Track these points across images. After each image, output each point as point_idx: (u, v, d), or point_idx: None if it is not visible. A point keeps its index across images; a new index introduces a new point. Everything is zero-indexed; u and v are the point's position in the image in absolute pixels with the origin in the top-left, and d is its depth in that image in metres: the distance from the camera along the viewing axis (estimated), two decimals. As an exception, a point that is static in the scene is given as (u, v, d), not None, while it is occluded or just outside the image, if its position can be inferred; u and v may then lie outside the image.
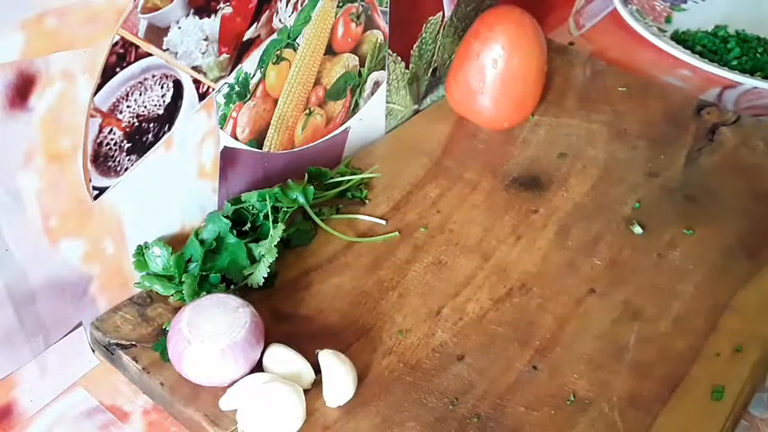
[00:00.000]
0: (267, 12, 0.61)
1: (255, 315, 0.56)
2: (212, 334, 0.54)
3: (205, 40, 0.57)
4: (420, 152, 0.77)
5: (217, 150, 0.63)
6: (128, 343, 0.58)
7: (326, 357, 0.55)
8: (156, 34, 0.54)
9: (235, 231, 0.61)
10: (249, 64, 0.62)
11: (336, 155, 0.75)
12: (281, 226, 0.61)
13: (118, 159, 0.56)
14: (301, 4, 0.64)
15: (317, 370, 0.56)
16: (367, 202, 0.70)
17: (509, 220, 0.70)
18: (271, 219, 0.62)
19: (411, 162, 0.76)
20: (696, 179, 0.75)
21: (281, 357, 0.56)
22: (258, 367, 0.56)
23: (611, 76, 0.88)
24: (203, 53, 0.58)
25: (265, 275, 0.60)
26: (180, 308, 0.60)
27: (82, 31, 0.49)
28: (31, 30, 0.46)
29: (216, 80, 0.60)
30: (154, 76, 0.55)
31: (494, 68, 0.75)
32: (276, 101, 0.66)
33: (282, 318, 0.60)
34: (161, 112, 0.57)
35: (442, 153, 0.77)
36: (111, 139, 0.55)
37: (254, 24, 0.60)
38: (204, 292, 0.58)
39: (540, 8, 0.77)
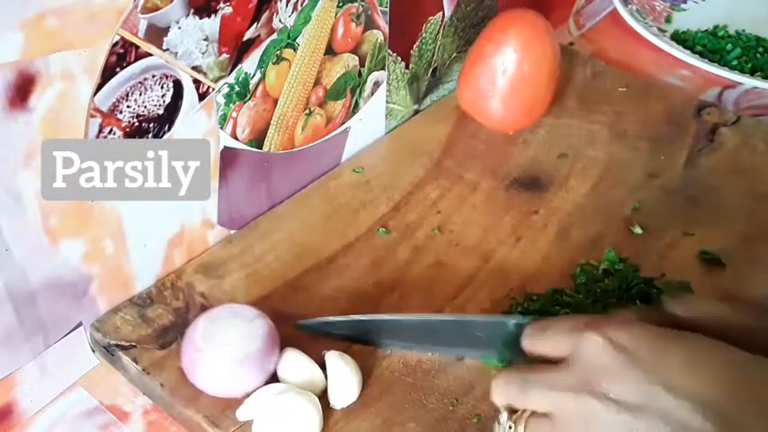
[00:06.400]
0: (267, 12, 0.61)
1: (271, 326, 0.55)
2: (227, 345, 0.53)
3: (205, 40, 0.57)
4: (420, 152, 0.77)
5: (217, 150, 0.63)
6: (128, 344, 0.58)
7: (333, 359, 0.55)
8: (156, 34, 0.54)
9: None
10: (249, 64, 0.62)
11: (336, 155, 0.75)
12: None
13: (118, 159, 0.56)
14: (301, 4, 0.63)
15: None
16: None
17: (509, 221, 0.70)
18: None
19: (411, 162, 0.76)
20: (696, 180, 0.75)
21: (295, 364, 0.55)
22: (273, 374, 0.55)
23: (612, 76, 0.88)
24: (203, 53, 0.57)
25: None
26: (179, 308, 0.60)
27: (82, 31, 0.49)
28: (31, 30, 0.46)
29: (216, 80, 0.60)
30: (154, 76, 0.55)
31: (505, 72, 0.74)
32: (276, 101, 0.66)
33: (282, 318, 0.60)
34: (161, 112, 0.57)
35: (442, 153, 0.77)
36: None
37: (254, 24, 0.60)
38: None
39: (541, 8, 0.77)
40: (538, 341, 0.50)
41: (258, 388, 0.54)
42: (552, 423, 0.45)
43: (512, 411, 0.48)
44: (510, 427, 0.47)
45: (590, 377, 0.44)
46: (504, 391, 0.48)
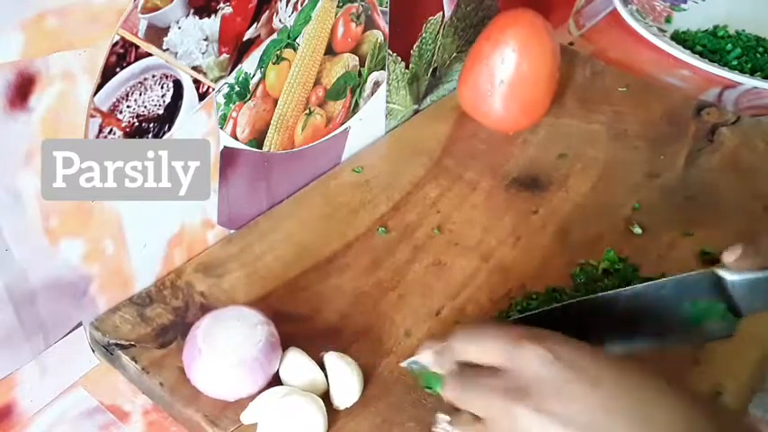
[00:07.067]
0: (267, 12, 0.61)
1: (273, 335, 0.55)
2: (224, 348, 0.53)
3: (205, 40, 0.57)
4: (420, 152, 0.77)
5: (217, 150, 0.63)
6: (127, 343, 0.58)
7: (333, 360, 0.55)
8: (156, 34, 0.54)
9: None
10: (249, 64, 0.62)
11: (336, 155, 0.75)
12: None
13: (118, 159, 0.56)
14: (301, 4, 0.64)
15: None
16: None
17: (509, 221, 0.70)
18: None
19: (411, 162, 0.76)
20: (696, 179, 0.75)
21: (297, 365, 0.55)
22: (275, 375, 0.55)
23: (611, 76, 0.88)
24: (203, 53, 0.57)
25: None
26: (179, 308, 0.61)
27: (82, 31, 0.49)
28: (31, 30, 0.46)
29: (216, 80, 0.60)
30: (154, 76, 0.55)
31: (503, 72, 0.74)
32: (276, 101, 0.66)
33: (281, 318, 0.60)
34: (161, 112, 0.57)
35: (441, 153, 0.77)
36: (111, 140, 0.55)
37: (254, 24, 0.60)
38: None
39: (540, 8, 0.77)
40: (468, 348, 0.48)
41: (254, 393, 0.54)
42: (485, 427, 0.45)
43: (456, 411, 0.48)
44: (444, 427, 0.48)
45: (525, 387, 0.44)
46: (450, 392, 0.48)
